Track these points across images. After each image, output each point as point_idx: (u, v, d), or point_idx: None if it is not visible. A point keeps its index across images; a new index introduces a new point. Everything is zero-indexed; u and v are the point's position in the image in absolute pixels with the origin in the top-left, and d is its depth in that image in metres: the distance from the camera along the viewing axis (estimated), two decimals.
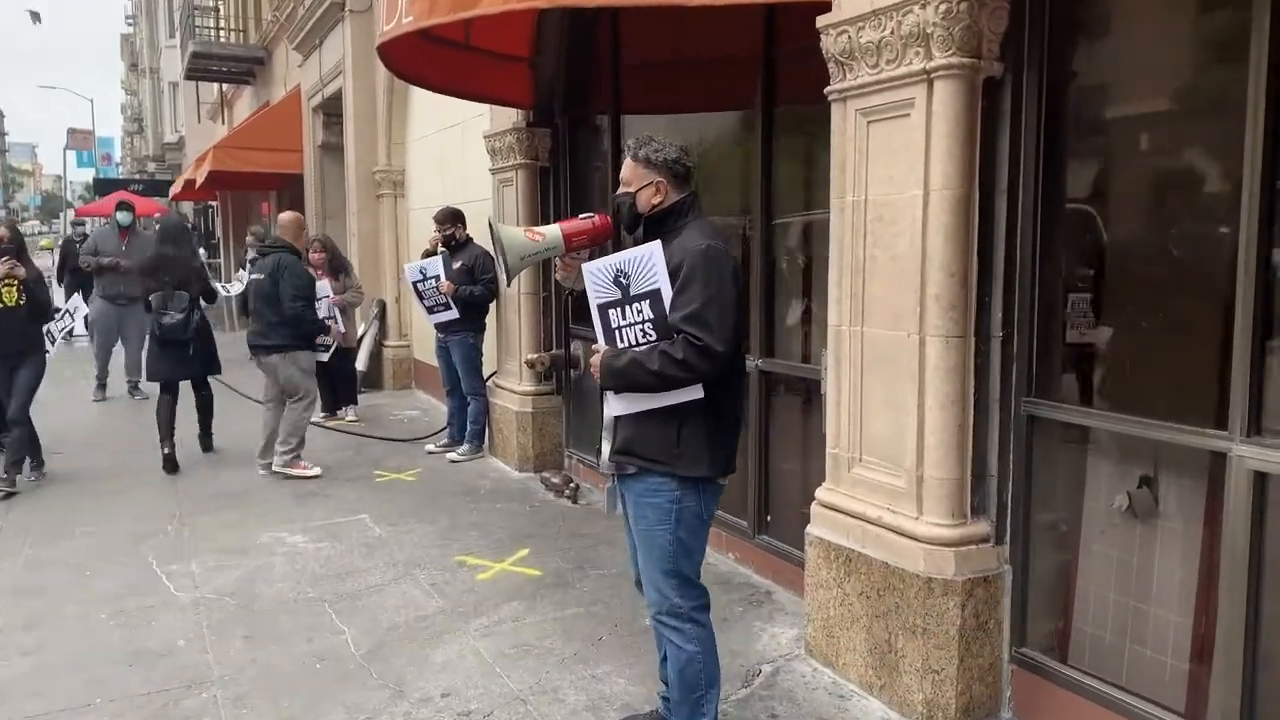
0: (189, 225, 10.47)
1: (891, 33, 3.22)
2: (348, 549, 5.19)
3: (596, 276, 2.83)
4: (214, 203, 25.70)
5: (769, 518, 4.67)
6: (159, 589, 4.64)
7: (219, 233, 24.90)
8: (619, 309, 2.82)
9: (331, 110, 11.60)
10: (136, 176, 41.96)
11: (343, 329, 8.21)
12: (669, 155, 2.90)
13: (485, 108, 7.25)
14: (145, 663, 3.85)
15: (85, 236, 13.27)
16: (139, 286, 9.07)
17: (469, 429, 7.32)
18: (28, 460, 6.62)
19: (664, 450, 2.82)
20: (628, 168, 2.94)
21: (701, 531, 2.95)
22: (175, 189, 21.62)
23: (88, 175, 51.21)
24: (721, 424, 2.89)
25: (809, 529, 3.77)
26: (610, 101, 6.02)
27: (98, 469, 6.98)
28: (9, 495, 6.22)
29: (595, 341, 2.93)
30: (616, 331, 2.84)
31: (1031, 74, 3.14)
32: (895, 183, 3.30)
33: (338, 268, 8.43)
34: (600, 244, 2.99)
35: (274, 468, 6.78)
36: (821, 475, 4.07)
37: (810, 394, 4.38)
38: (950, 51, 3.08)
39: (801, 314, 4.54)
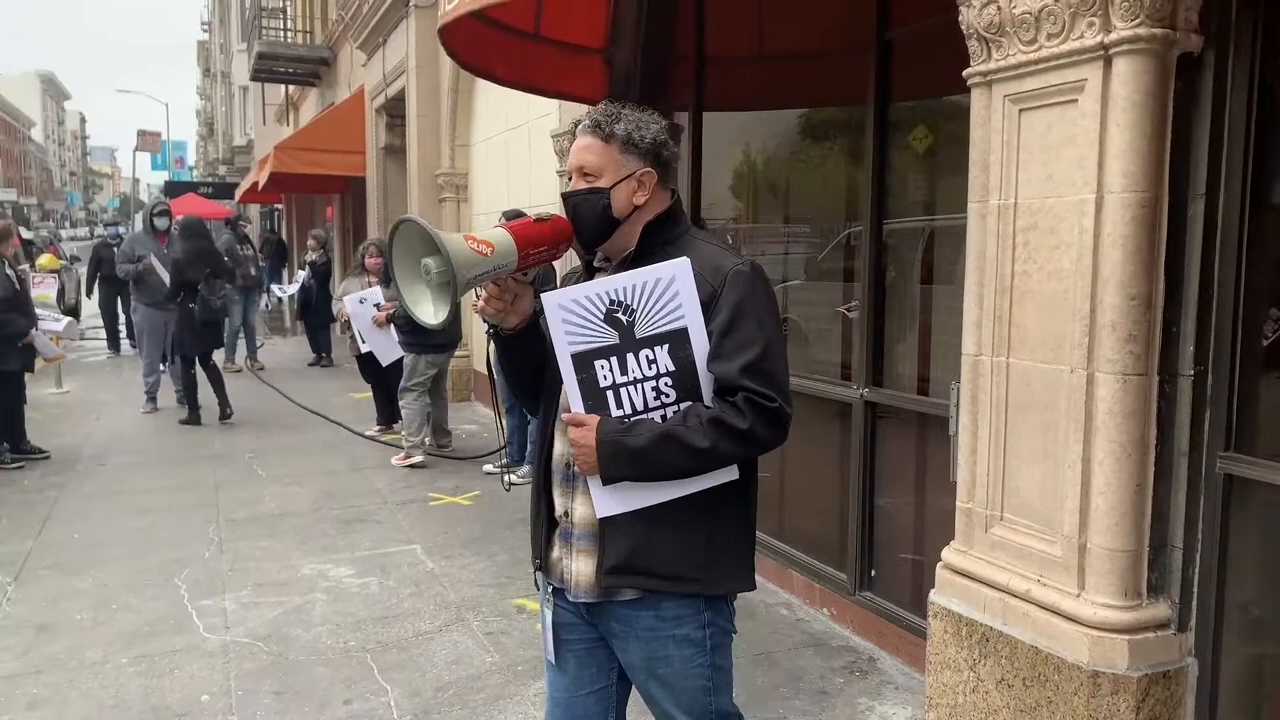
0: (207, 221, 10.35)
1: (1057, 0, 2.63)
2: (396, 585, 4.70)
3: (574, 311, 1.91)
4: (279, 206, 25.77)
5: (873, 572, 4.06)
6: (188, 628, 4.19)
7: (285, 235, 24.92)
8: (613, 359, 1.91)
9: (394, 111, 11.27)
10: (208, 180, 42.60)
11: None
12: (657, 135, 2.00)
13: (552, 107, 6.79)
14: None
15: (120, 239, 13.14)
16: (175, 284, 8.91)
17: (529, 449, 6.82)
18: None
19: (692, 562, 1.97)
20: (593, 150, 2.00)
21: (730, 646, 2.15)
22: (240, 191, 21.62)
23: (162, 178, 52.26)
24: (754, 511, 2.11)
25: (933, 596, 3.17)
26: (691, 97, 5.48)
27: (140, 485, 6.62)
28: None
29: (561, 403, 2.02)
30: (609, 393, 1.92)
31: (1241, 48, 2.52)
32: (1056, 184, 2.70)
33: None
34: (558, 257, 2.09)
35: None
36: (939, 527, 3.49)
37: (927, 430, 3.77)
38: (1136, 20, 2.48)
39: (918, 336, 3.93)
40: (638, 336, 1.90)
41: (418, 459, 7.10)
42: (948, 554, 3.14)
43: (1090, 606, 2.66)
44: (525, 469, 6.76)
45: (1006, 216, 2.86)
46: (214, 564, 5.00)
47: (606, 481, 1.92)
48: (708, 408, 1.90)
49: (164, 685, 3.68)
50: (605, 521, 1.97)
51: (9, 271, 7.07)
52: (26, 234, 11.05)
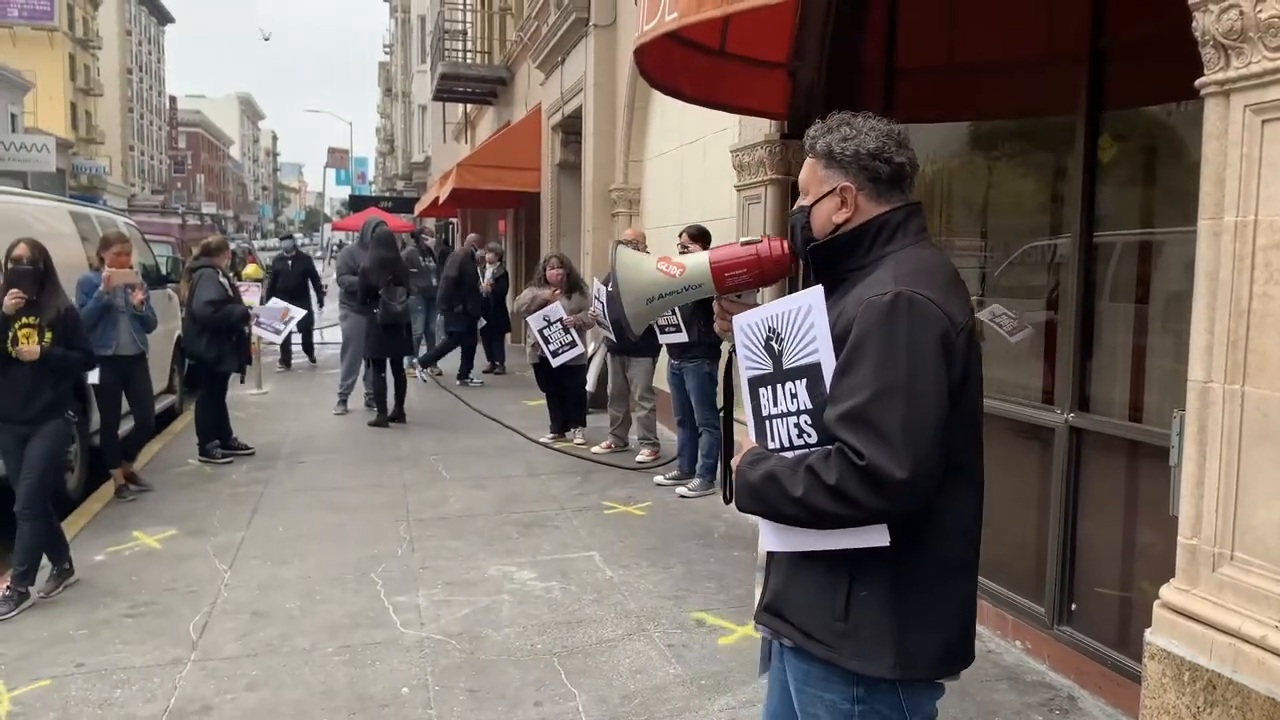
0: (402, 235, 10.79)
1: None
2: (578, 591, 4.81)
3: (747, 336, 1.86)
4: (454, 220, 26.87)
5: (1073, 606, 3.87)
6: (385, 623, 4.41)
7: (457, 248, 25.98)
8: (769, 388, 1.82)
9: (570, 128, 11.57)
10: (386, 194, 44.93)
11: (581, 348, 8.02)
12: (863, 145, 1.85)
13: (730, 123, 6.81)
14: (368, 713, 3.57)
15: (296, 252, 13.47)
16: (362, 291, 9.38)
17: (700, 463, 6.85)
18: (49, 565, 4.80)
19: (822, 623, 1.79)
20: (806, 167, 1.94)
21: None
22: (420, 206, 22.68)
23: (344, 192, 55.64)
24: (931, 589, 1.78)
25: (1149, 636, 2.99)
26: (879, 109, 5.35)
27: (335, 483, 7.02)
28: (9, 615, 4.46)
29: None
30: (767, 423, 1.84)
31: None
32: None
33: (574, 286, 8.23)
34: (770, 281, 2.01)
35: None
36: (1150, 562, 3.30)
37: (1139, 459, 3.56)
38: None
39: (1131, 358, 3.73)
40: (784, 368, 1.79)
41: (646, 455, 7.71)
42: (1167, 592, 2.95)
43: None
44: (695, 482, 6.79)
45: (1244, 235, 2.68)
46: (406, 561, 5.25)
47: (741, 510, 1.85)
48: (820, 455, 1.70)
49: (367, 676, 3.88)
50: (769, 557, 1.92)
51: (222, 280, 7.66)
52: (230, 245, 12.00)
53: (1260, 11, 2.57)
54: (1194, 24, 2.77)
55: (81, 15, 51.41)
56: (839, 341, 1.71)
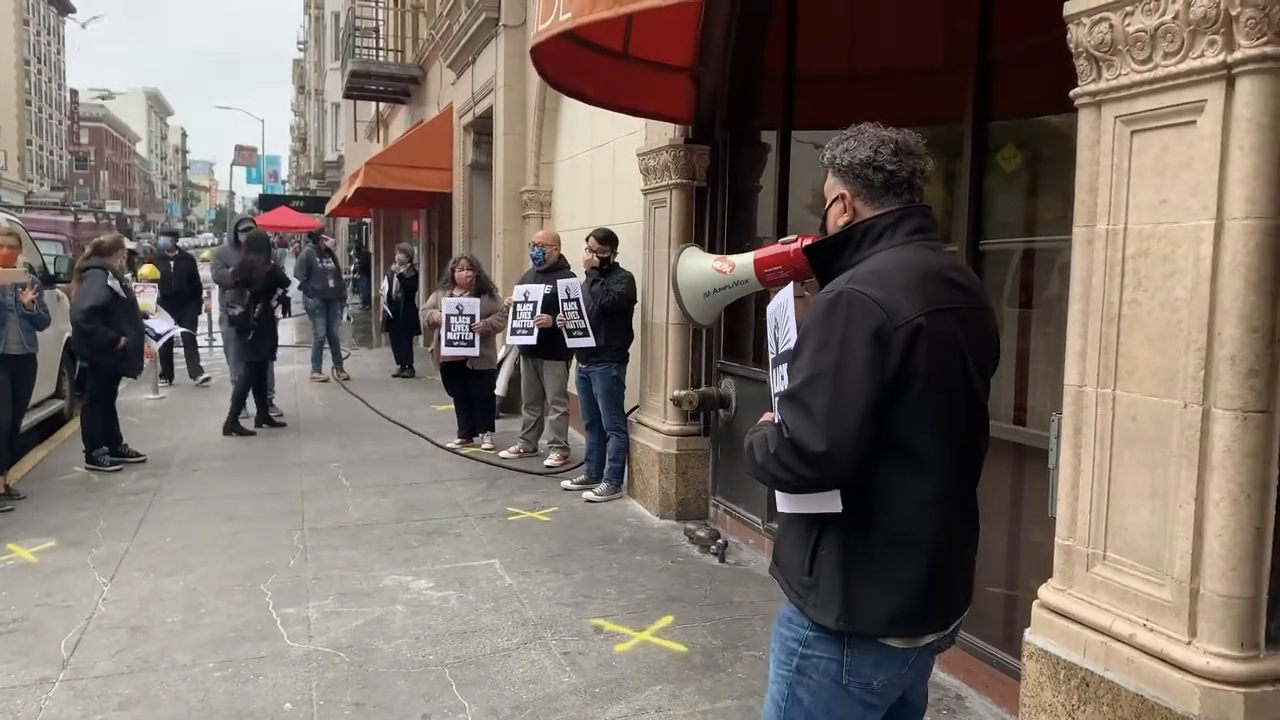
0: (269, 236, 10.50)
1: (1175, 17, 2.52)
2: (475, 600, 4.71)
3: (770, 322, 2.14)
4: (368, 220, 26.40)
5: None
6: (272, 635, 4.26)
7: (371, 249, 25.52)
8: (776, 369, 2.06)
9: (482, 129, 11.43)
10: (299, 193, 43.89)
11: (475, 350, 7.92)
12: (857, 155, 2.00)
13: (638, 126, 6.79)
14: None
15: (179, 251, 12.44)
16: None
17: (608, 466, 6.81)
18: None
19: (795, 573, 2.03)
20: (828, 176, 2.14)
21: (844, 709, 2.01)
22: (331, 205, 22.20)
23: (256, 191, 54.22)
24: (875, 556, 1.92)
25: (1028, 635, 3.04)
26: (780, 115, 5.42)
27: (229, 491, 6.78)
28: None
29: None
30: (775, 400, 2.03)
31: None
32: (1171, 209, 2.58)
33: (483, 288, 8.11)
34: (803, 276, 2.20)
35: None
36: (1033, 562, 3.37)
37: (1023, 461, 3.63)
38: (1263, 39, 2.36)
39: (1016, 362, 3.80)
40: (779, 352, 2.05)
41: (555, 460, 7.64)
42: (1045, 592, 3.01)
43: (1202, 655, 2.52)
44: (603, 486, 6.75)
45: (1115, 242, 2.75)
46: (298, 572, 5.08)
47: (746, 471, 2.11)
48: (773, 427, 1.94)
49: (249, 691, 3.74)
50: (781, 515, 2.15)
51: (111, 283, 7.28)
52: (130, 244, 11.31)
53: (1128, 25, 2.64)
54: (1068, 36, 2.83)
55: None
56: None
